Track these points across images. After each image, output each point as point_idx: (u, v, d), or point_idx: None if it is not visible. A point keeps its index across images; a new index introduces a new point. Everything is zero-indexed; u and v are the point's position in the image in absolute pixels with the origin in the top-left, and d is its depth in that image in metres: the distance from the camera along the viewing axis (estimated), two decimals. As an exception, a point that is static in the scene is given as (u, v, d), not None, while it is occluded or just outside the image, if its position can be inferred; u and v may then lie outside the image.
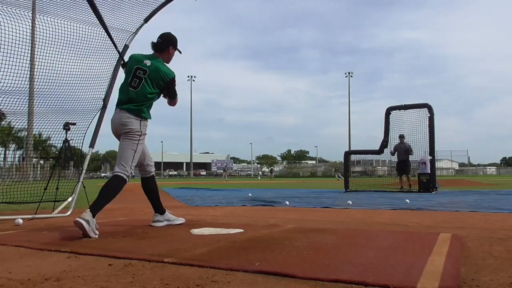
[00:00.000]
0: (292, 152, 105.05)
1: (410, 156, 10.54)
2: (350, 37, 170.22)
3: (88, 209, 2.90)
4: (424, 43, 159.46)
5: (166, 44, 3.46)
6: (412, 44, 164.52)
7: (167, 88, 3.43)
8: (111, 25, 4.49)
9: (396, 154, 10.74)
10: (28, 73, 4.25)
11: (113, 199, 3.16)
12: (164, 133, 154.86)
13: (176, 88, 3.49)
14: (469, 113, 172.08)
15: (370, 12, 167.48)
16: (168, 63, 3.52)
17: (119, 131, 3.30)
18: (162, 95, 3.49)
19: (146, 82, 3.30)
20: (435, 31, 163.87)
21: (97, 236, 2.85)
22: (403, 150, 10.59)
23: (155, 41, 3.47)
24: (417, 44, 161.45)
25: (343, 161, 12.36)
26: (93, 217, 2.90)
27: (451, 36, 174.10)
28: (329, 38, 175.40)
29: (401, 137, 10.55)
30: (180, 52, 3.58)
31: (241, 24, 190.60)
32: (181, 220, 3.68)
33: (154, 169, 3.66)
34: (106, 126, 3.39)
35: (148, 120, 3.38)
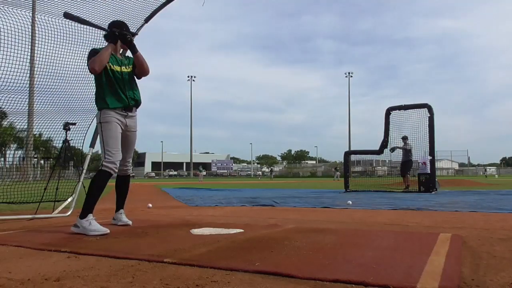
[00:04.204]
0: (293, 152, 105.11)
1: (410, 156, 10.55)
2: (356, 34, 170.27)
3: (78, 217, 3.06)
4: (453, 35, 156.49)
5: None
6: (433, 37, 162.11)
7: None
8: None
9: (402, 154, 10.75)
10: (28, 73, 4.26)
11: (99, 192, 3.19)
12: (164, 133, 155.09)
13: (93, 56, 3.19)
14: (469, 113, 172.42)
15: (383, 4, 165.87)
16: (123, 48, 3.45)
17: None
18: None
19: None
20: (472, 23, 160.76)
21: (99, 233, 2.93)
22: (406, 150, 10.61)
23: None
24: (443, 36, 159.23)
25: (343, 161, 12.38)
26: (84, 218, 3.01)
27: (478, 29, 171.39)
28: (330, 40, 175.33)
29: (405, 138, 10.58)
30: (134, 34, 3.51)
31: (241, 24, 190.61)
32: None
33: (131, 169, 3.68)
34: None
35: (109, 109, 3.25)
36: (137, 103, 3.46)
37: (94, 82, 3.39)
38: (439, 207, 5.41)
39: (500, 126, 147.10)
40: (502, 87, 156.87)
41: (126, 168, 3.61)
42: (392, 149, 10.63)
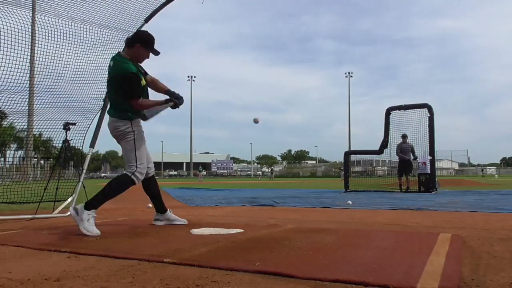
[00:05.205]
0: (293, 152, 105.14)
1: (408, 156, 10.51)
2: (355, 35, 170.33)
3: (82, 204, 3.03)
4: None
5: (133, 41, 3.29)
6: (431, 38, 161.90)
7: (119, 84, 3.18)
8: (111, 25, 4.50)
9: (400, 153, 10.68)
10: (28, 73, 4.26)
11: (115, 196, 3.19)
12: (164, 133, 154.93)
13: (132, 87, 3.17)
14: (469, 113, 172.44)
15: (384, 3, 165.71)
16: (139, 61, 3.34)
17: (114, 137, 3.35)
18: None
19: (109, 83, 3.33)
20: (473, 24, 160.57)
21: (90, 234, 2.90)
22: (406, 149, 10.55)
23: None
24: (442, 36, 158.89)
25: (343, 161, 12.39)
26: (89, 210, 2.98)
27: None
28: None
29: (404, 136, 10.52)
30: (156, 53, 3.35)
31: (241, 24, 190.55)
32: (182, 221, 3.62)
33: (154, 170, 3.62)
34: (106, 126, 3.40)
35: (136, 119, 3.30)
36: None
37: (98, 83, 3.41)
38: (439, 207, 5.41)
39: (500, 126, 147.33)
40: (502, 87, 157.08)
41: (149, 172, 3.49)
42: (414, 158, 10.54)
